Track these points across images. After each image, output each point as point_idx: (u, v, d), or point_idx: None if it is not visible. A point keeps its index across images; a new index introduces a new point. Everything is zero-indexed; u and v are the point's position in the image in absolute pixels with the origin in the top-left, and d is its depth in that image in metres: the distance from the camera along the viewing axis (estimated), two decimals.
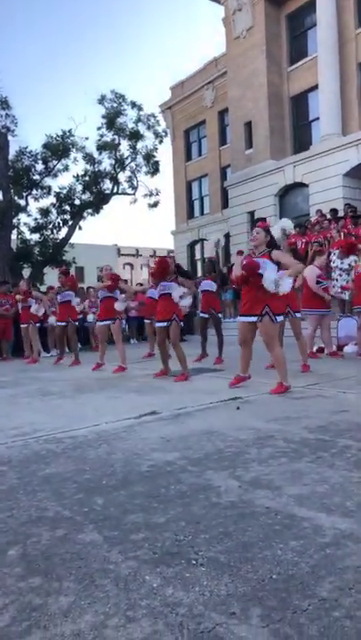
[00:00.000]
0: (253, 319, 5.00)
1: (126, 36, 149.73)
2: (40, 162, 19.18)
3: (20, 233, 19.59)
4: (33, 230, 19.55)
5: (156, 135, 20.30)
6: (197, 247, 25.58)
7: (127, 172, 20.58)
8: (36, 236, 19.66)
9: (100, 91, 20.85)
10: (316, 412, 3.94)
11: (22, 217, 19.70)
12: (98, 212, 20.07)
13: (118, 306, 7.23)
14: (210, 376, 6.43)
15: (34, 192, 19.47)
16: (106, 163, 20.08)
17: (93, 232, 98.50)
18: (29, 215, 19.61)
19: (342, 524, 1.93)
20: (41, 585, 1.61)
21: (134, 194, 20.72)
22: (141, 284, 13.07)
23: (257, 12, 18.65)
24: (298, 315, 6.50)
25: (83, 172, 19.76)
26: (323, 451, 2.88)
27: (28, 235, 19.67)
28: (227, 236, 21.51)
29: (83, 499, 2.33)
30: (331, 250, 10.81)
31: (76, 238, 20.90)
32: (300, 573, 1.59)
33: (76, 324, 9.51)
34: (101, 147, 19.66)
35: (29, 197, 19.43)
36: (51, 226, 19.64)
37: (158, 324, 6.43)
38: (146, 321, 10.63)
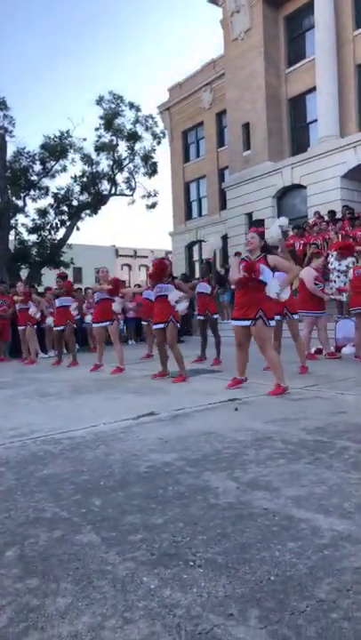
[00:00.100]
0: (247, 323, 5.01)
1: (125, 37, 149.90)
2: (38, 162, 19.19)
3: (17, 234, 19.58)
4: (31, 231, 19.55)
5: (154, 136, 20.33)
6: (195, 248, 25.59)
7: (125, 173, 20.62)
8: (33, 237, 19.67)
9: (99, 92, 20.89)
10: (315, 413, 3.94)
11: (20, 218, 19.74)
12: (96, 213, 20.08)
13: (115, 307, 7.23)
14: (208, 377, 6.43)
15: (31, 193, 19.48)
16: (104, 164, 20.13)
17: (91, 233, 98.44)
18: (27, 216, 19.64)
19: (340, 525, 1.93)
20: (38, 586, 1.61)
21: (132, 195, 20.75)
22: (140, 286, 13.06)
23: (255, 13, 18.69)
24: (295, 316, 6.52)
25: (81, 173, 19.78)
26: (321, 452, 2.88)
27: (25, 235, 19.69)
28: (225, 238, 21.56)
29: (80, 500, 2.32)
30: (329, 251, 10.84)
31: (74, 239, 20.93)
32: (298, 575, 1.59)
33: (74, 325, 9.50)
34: (99, 148, 19.67)
35: (27, 198, 19.43)
36: (48, 227, 19.65)
37: (155, 326, 6.45)
38: (143, 322, 10.65)
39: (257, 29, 18.63)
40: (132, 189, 20.65)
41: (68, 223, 19.69)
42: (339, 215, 13.33)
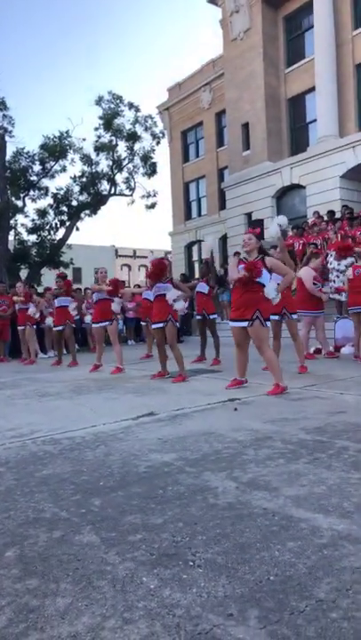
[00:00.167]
0: (244, 324, 5.02)
1: (124, 38, 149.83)
2: (37, 163, 19.17)
3: (17, 234, 19.57)
4: (30, 231, 19.53)
5: (154, 136, 20.31)
6: (195, 248, 25.60)
7: (124, 174, 20.60)
8: (33, 237, 19.65)
9: (98, 92, 20.90)
10: (314, 413, 3.94)
11: (19, 218, 19.75)
12: (95, 213, 20.07)
13: (114, 307, 7.23)
14: (207, 377, 6.43)
15: (31, 193, 19.46)
16: (103, 164, 20.11)
17: (91, 233, 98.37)
18: (27, 216, 19.62)
19: (340, 524, 1.93)
20: (38, 586, 1.61)
21: (132, 195, 20.73)
22: (139, 286, 13.06)
23: (254, 13, 18.69)
24: (294, 316, 6.52)
25: (80, 173, 19.77)
26: (320, 452, 2.88)
27: (25, 236, 19.67)
28: (224, 238, 21.56)
29: (80, 500, 2.32)
30: (328, 251, 10.85)
31: (74, 239, 20.92)
32: (298, 574, 1.59)
33: (73, 325, 9.50)
34: (99, 148, 19.65)
35: (27, 198, 19.42)
36: (48, 227, 19.63)
37: (154, 326, 6.45)
38: (143, 323, 10.66)
39: (256, 29, 18.64)
40: (132, 189, 20.65)
41: (67, 223, 19.68)
42: (338, 215, 13.33)
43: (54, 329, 9.27)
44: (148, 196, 20.69)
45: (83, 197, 19.80)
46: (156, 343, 6.74)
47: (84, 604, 1.49)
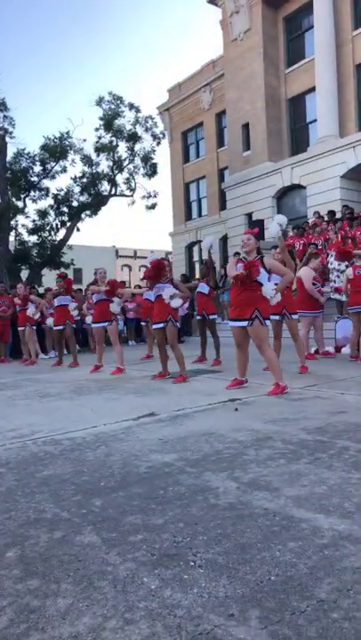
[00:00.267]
0: (243, 324, 5.03)
1: (124, 38, 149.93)
2: (38, 163, 19.18)
3: (17, 235, 19.57)
4: (31, 232, 19.54)
5: (154, 137, 20.31)
6: (195, 249, 25.60)
7: (125, 174, 20.60)
8: (33, 238, 19.66)
9: (98, 92, 20.91)
10: (315, 413, 3.94)
11: (20, 219, 19.70)
12: (96, 214, 20.07)
13: (113, 307, 7.23)
14: (208, 377, 6.43)
15: (32, 194, 19.47)
16: (104, 164, 20.11)
17: (91, 234, 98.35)
18: (27, 217, 19.62)
19: (341, 525, 1.93)
20: (39, 587, 1.61)
21: (132, 195, 20.74)
22: (140, 286, 13.06)
23: (254, 14, 18.70)
24: (294, 316, 6.51)
25: (80, 174, 19.77)
26: (321, 452, 2.88)
27: (25, 236, 19.67)
28: (224, 238, 21.56)
29: (81, 500, 2.32)
30: (328, 251, 10.84)
31: (74, 240, 20.92)
32: (299, 575, 1.59)
33: (74, 325, 9.50)
34: (99, 148, 19.66)
35: (27, 199, 19.42)
36: (48, 227, 19.63)
37: (155, 326, 6.45)
38: (143, 323, 10.66)
39: (256, 30, 18.64)
40: (132, 190, 20.66)
41: (68, 224, 19.69)
42: (338, 215, 13.33)
43: (54, 328, 9.28)
44: (149, 196, 20.70)
45: (83, 198, 19.81)
46: (156, 343, 6.74)
47: (85, 604, 1.49)
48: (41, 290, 14.09)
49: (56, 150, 18.76)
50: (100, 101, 19.34)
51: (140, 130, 19.91)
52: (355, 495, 2.21)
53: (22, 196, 19.18)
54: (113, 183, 20.32)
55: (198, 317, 8.22)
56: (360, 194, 16.49)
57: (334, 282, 10.16)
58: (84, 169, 19.79)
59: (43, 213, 19.47)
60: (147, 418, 4.06)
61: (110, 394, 5.48)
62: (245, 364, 5.37)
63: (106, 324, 7.39)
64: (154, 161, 20.34)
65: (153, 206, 20.88)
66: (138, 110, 19.82)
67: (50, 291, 11.69)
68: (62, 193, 19.53)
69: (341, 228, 11.38)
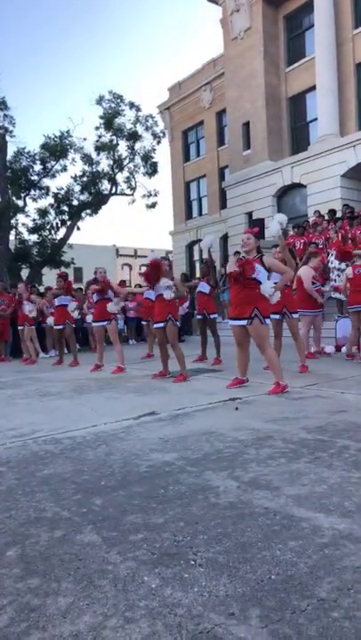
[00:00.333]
0: (243, 322, 5.03)
1: (125, 37, 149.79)
2: (38, 162, 19.18)
3: (18, 234, 19.58)
4: (31, 231, 19.54)
5: (155, 136, 20.31)
6: (196, 248, 25.59)
7: (125, 173, 20.61)
8: (34, 237, 19.67)
9: (99, 91, 20.91)
10: (315, 412, 3.94)
11: (20, 217, 19.72)
12: (96, 213, 20.08)
13: (111, 307, 7.24)
14: (208, 376, 6.43)
15: (32, 193, 19.47)
16: (104, 163, 20.11)
17: (92, 233, 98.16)
18: (27, 216, 19.63)
19: (341, 524, 1.93)
20: (39, 586, 1.61)
21: (133, 194, 20.74)
22: (140, 286, 13.06)
23: (254, 12, 18.67)
24: (295, 315, 6.51)
25: (81, 173, 19.76)
26: (321, 451, 2.88)
27: (26, 235, 19.68)
28: (225, 237, 21.55)
29: (81, 499, 2.33)
30: (329, 250, 10.83)
31: (75, 239, 20.93)
32: (299, 574, 1.59)
33: (74, 325, 9.50)
34: (99, 147, 19.66)
35: (27, 198, 19.43)
36: (49, 226, 19.63)
37: (155, 325, 6.46)
38: (144, 322, 10.66)
39: (257, 28, 18.61)
40: (133, 189, 20.66)
41: (68, 223, 19.69)
42: (339, 214, 13.32)
43: (55, 327, 9.29)
44: (149, 195, 20.70)
45: (83, 197, 19.81)
46: (157, 343, 6.74)
47: (86, 603, 1.49)
48: (41, 289, 14.10)
49: (56, 149, 18.76)
50: (100, 100, 19.34)
51: (140, 129, 19.92)
52: (355, 494, 2.21)
53: (22, 194, 19.18)
54: (113, 182, 20.32)
55: (199, 317, 8.22)
56: (360, 193, 16.48)
57: (335, 281, 10.15)
58: (84, 168, 19.82)
59: (43, 212, 19.47)
60: (147, 417, 4.06)
61: (111, 393, 5.49)
62: (246, 364, 5.38)
63: (104, 323, 7.40)
64: (154, 160, 20.36)
65: (153, 205, 20.89)
66: (138, 109, 19.82)
67: (50, 290, 11.69)
68: (62, 192, 19.55)
69: (342, 227, 11.37)
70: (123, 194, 20.67)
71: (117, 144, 19.93)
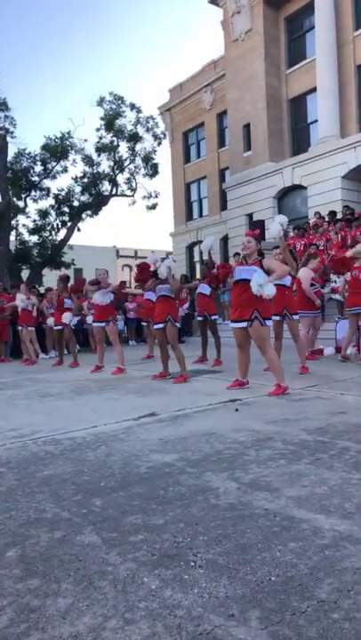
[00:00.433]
0: (243, 325, 5.03)
1: (125, 38, 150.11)
2: (39, 163, 19.23)
3: (18, 234, 19.62)
4: (32, 232, 19.58)
5: (155, 137, 20.36)
6: (196, 249, 25.61)
7: (126, 174, 20.66)
8: (34, 238, 19.71)
9: (100, 93, 20.95)
10: (315, 413, 3.94)
11: (21, 218, 19.76)
12: (97, 214, 20.11)
13: (97, 297, 7.31)
14: (209, 378, 6.43)
15: (32, 194, 19.51)
16: (105, 164, 20.16)
17: (92, 234, 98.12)
18: (28, 217, 19.68)
19: (341, 525, 1.92)
20: (39, 586, 1.61)
21: (133, 196, 20.77)
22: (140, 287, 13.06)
23: (255, 14, 18.70)
24: (295, 317, 6.51)
25: (81, 174, 19.81)
26: (322, 452, 2.88)
27: (26, 236, 19.73)
28: (225, 239, 21.55)
29: (81, 500, 2.32)
30: (329, 252, 10.84)
31: (75, 240, 20.96)
32: (299, 575, 1.59)
33: (73, 327, 9.50)
34: (100, 148, 19.69)
35: (28, 199, 19.46)
36: (49, 227, 19.68)
37: (155, 326, 6.47)
38: (144, 323, 10.66)
39: (257, 30, 18.64)
40: (133, 190, 20.69)
41: (68, 224, 19.72)
42: (339, 216, 13.33)
43: (54, 328, 9.29)
44: (150, 196, 20.75)
45: (84, 198, 19.85)
46: (158, 343, 6.75)
47: (86, 604, 1.49)
48: (42, 289, 14.12)
49: (57, 150, 18.80)
50: (101, 101, 19.38)
51: (141, 130, 19.98)
52: (355, 496, 2.21)
53: (23, 195, 19.22)
54: (114, 183, 20.36)
55: (200, 318, 8.22)
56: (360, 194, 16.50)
57: (335, 282, 10.14)
58: (84, 169, 19.87)
59: (43, 213, 19.51)
60: (147, 418, 4.06)
61: (111, 394, 5.48)
62: (247, 365, 5.37)
63: (102, 324, 7.39)
64: (155, 161, 20.41)
65: (154, 206, 20.92)
66: (139, 110, 19.88)
67: (51, 290, 11.71)
68: (63, 193, 19.60)
69: (342, 228, 11.38)
70: (123, 195, 20.71)
71: (118, 145, 19.98)
